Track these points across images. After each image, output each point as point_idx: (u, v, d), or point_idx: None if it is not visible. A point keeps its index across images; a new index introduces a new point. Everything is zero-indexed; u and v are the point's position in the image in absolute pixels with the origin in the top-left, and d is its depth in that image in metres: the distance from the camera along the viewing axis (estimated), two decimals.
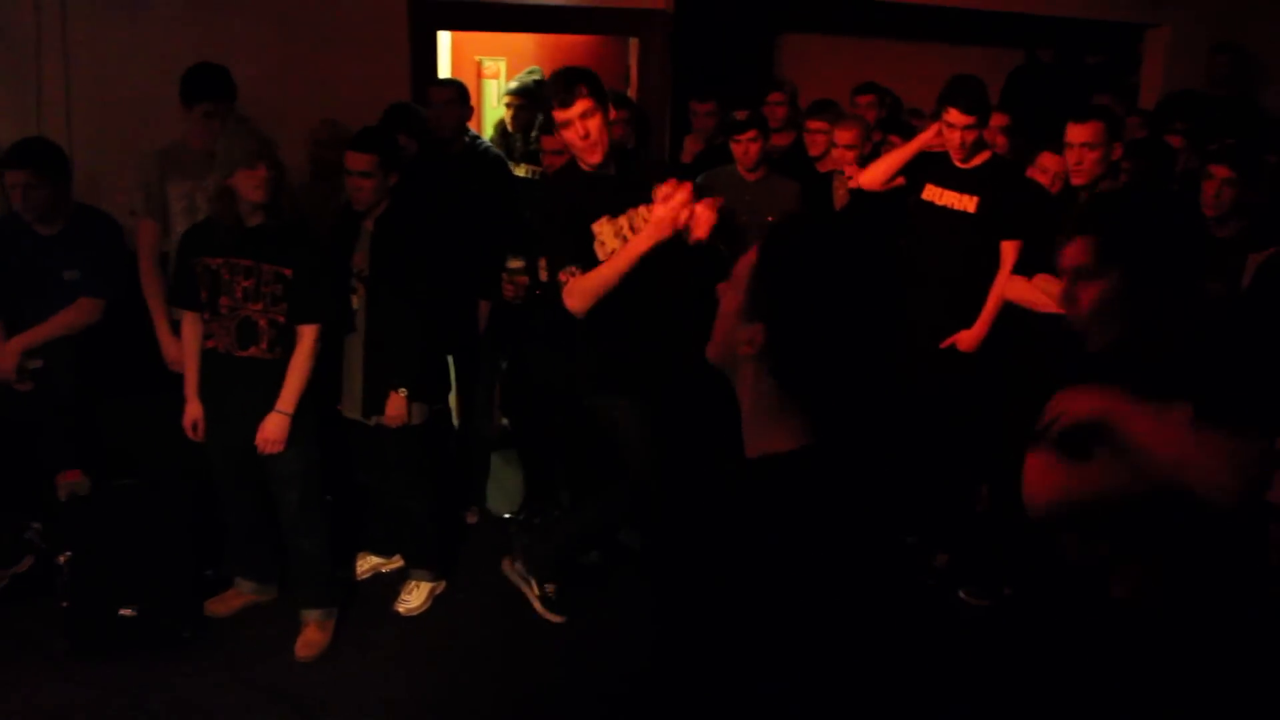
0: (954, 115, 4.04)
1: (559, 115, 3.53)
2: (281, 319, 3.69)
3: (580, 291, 3.50)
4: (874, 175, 4.30)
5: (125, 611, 3.72)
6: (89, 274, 4.08)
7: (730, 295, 1.47)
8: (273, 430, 3.66)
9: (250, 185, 3.59)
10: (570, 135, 3.54)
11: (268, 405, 3.67)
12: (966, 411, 4.22)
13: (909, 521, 4.32)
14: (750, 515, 1.37)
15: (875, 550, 1.43)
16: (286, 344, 3.71)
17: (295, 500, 3.80)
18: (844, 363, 1.39)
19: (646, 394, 3.71)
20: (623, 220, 3.63)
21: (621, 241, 3.56)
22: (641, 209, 3.59)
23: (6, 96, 4.79)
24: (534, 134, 4.46)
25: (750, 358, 1.42)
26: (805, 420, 1.41)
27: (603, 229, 3.61)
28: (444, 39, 6.43)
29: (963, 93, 4.04)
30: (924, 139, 4.25)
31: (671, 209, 3.39)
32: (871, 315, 1.39)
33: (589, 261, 3.55)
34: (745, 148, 4.72)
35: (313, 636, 3.85)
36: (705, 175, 4.93)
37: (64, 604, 3.72)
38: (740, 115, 4.87)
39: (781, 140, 5.45)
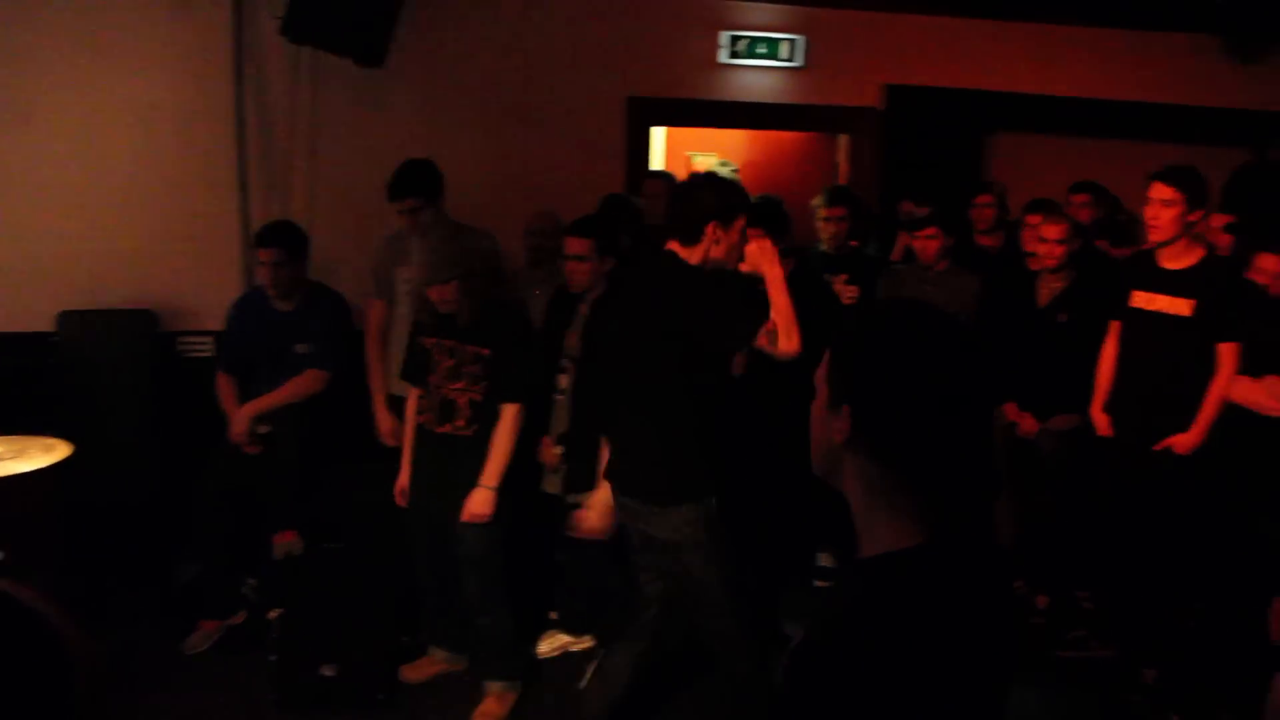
0: (1156, 188, 3.85)
1: None
2: (479, 398, 3.77)
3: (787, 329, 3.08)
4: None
5: (326, 670, 3.85)
6: (318, 348, 4.35)
7: (818, 400, 1.41)
8: (477, 504, 3.73)
9: (439, 298, 3.74)
10: None
11: (459, 480, 3.75)
12: (1177, 517, 3.98)
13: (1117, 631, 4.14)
14: (864, 621, 1.24)
15: (1000, 653, 1.32)
16: (485, 421, 3.77)
17: (475, 583, 3.86)
18: (939, 438, 1.29)
19: None
20: None
21: None
22: None
23: (261, 183, 5.21)
24: None
25: (846, 447, 1.33)
26: (919, 514, 1.30)
27: None
28: (658, 134, 6.65)
29: (1170, 170, 3.87)
30: None
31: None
32: (952, 384, 1.29)
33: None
34: (924, 245, 4.68)
35: (491, 708, 3.89)
36: (890, 270, 4.88)
37: (272, 658, 3.89)
38: (920, 211, 4.77)
39: (990, 241, 5.35)
